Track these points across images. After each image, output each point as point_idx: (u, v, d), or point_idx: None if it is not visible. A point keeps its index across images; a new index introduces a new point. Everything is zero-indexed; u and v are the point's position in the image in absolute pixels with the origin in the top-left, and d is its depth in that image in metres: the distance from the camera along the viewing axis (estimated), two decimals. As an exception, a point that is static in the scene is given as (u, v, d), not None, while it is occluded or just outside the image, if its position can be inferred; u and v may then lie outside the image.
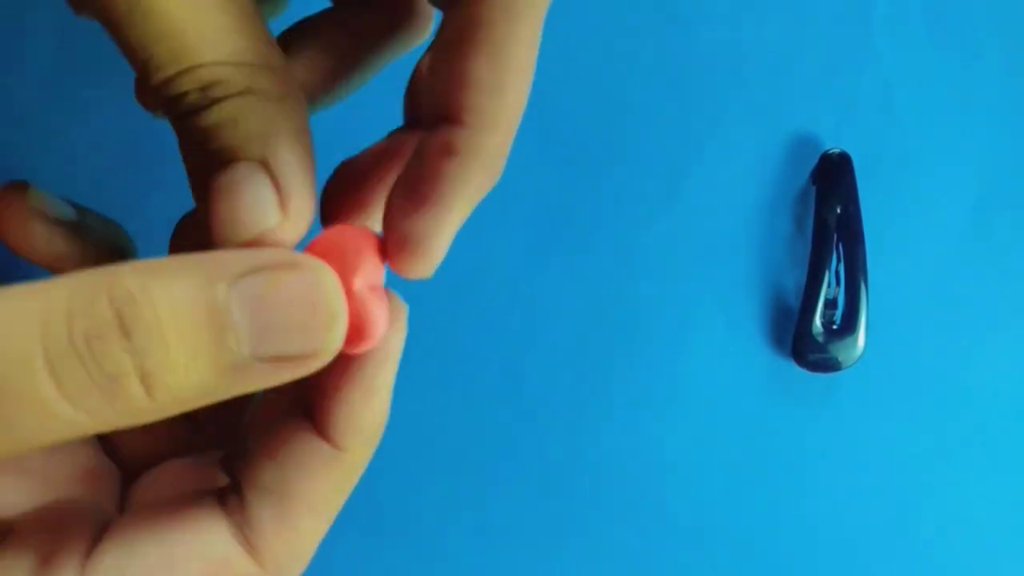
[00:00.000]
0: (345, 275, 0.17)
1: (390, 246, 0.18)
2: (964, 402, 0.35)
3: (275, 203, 0.17)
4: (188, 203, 0.20)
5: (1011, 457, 0.35)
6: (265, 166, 0.17)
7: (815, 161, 0.35)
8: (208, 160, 0.17)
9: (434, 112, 0.18)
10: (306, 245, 0.18)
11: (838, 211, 0.35)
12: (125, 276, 0.14)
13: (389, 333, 0.18)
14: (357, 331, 0.17)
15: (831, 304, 0.34)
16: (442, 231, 0.18)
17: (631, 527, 0.35)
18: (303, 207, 0.17)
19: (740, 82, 0.35)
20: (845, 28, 0.35)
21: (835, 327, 0.34)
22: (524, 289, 0.35)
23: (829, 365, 0.34)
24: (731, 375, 0.35)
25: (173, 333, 0.14)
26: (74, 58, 0.34)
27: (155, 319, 0.14)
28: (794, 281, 0.35)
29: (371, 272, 0.17)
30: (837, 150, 0.35)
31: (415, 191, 0.18)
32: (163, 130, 0.34)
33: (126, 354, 0.14)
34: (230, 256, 0.15)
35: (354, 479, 0.19)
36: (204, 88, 0.16)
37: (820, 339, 0.34)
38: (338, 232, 0.18)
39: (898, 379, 0.35)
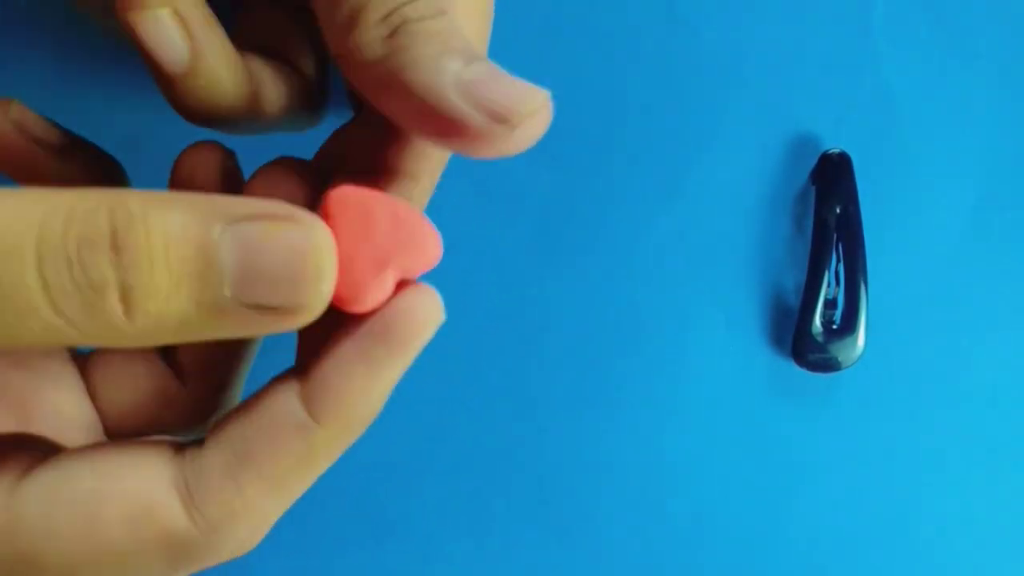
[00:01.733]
0: (363, 236, 0.17)
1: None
2: (964, 402, 0.35)
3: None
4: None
5: (1011, 457, 0.35)
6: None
7: (815, 161, 0.35)
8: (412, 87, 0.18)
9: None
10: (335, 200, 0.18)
11: (838, 211, 0.35)
12: (129, 197, 0.15)
13: (418, 322, 0.18)
14: (351, 290, 0.17)
15: (831, 304, 0.34)
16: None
17: (631, 527, 0.35)
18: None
19: (740, 82, 0.35)
20: (845, 28, 0.35)
21: (835, 327, 0.34)
22: (523, 288, 0.35)
23: (829, 365, 0.34)
24: (731, 375, 0.35)
25: (161, 259, 0.15)
26: (74, 58, 0.34)
27: (146, 241, 0.14)
28: (794, 281, 0.35)
29: (392, 242, 0.18)
30: (837, 150, 0.35)
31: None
32: (164, 131, 0.34)
33: (112, 267, 0.14)
34: (232, 201, 0.15)
35: (320, 462, 0.18)
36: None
37: (820, 339, 0.34)
38: (374, 197, 0.18)
39: (898, 379, 0.35)
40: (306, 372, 0.18)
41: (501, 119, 0.17)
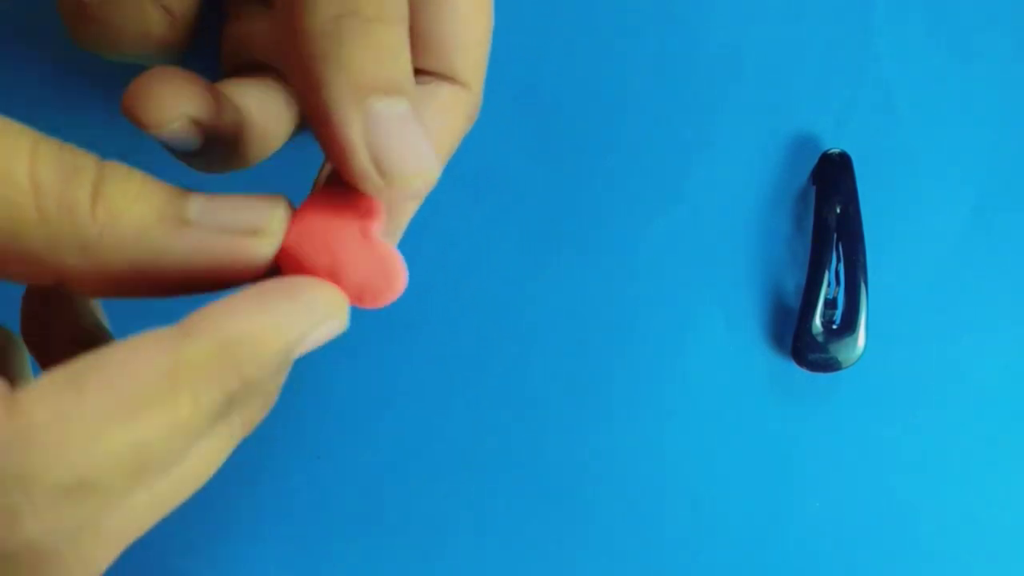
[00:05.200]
0: (360, 224, 0.18)
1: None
2: (964, 402, 0.35)
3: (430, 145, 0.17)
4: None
5: (1011, 457, 0.35)
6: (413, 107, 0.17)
7: (815, 161, 0.35)
8: (338, 90, 0.16)
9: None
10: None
11: (838, 211, 0.35)
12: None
13: (324, 296, 0.17)
14: (383, 275, 0.17)
15: (831, 304, 0.34)
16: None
17: (630, 527, 0.35)
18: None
19: (740, 82, 0.35)
20: (845, 28, 0.35)
21: (835, 327, 0.34)
22: (523, 289, 0.35)
23: (829, 365, 0.34)
24: (731, 375, 0.35)
25: (138, 173, 0.16)
26: (74, 58, 0.34)
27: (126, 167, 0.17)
28: (794, 281, 0.35)
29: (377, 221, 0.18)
30: (837, 150, 0.35)
31: None
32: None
33: (95, 167, 0.16)
34: None
35: (184, 398, 0.15)
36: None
37: (820, 339, 0.34)
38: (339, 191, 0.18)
39: (898, 379, 0.35)
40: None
41: (381, 172, 0.17)
